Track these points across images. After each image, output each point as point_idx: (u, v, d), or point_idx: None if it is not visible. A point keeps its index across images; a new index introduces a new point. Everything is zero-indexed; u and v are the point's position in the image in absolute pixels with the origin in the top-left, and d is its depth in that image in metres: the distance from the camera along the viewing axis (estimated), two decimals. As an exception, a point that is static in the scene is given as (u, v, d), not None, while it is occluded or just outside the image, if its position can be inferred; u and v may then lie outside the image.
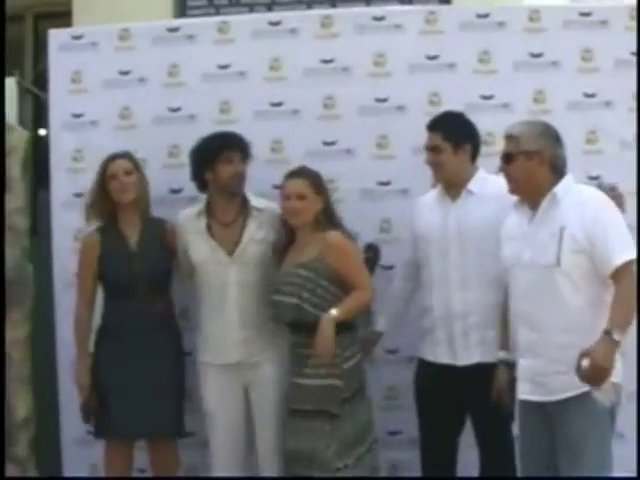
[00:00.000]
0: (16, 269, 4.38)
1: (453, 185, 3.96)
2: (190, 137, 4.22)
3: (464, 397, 3.86)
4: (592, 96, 4.40)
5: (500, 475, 3.84)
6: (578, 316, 3.33)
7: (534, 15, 4.43)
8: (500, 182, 3.60)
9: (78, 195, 4.53)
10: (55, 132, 4.61)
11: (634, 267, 3.29)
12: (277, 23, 4.53)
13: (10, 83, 4.94)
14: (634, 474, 4.08)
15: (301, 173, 3.98)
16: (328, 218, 3.96)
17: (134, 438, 4.18)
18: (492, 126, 4.26)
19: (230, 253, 4.09)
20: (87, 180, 4.46)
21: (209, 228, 4.12)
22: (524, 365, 3.46)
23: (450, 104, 4.36)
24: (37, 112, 5.60)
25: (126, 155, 4.20)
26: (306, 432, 3.81)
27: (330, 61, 4.49)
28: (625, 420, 4.12)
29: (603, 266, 3.30)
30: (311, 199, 3.92)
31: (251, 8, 6.24)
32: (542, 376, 3.39)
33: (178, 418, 4.16)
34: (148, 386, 4.06)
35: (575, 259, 3.32)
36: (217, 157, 4.05)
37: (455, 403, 3.89)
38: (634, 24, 4.38)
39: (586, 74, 4.41)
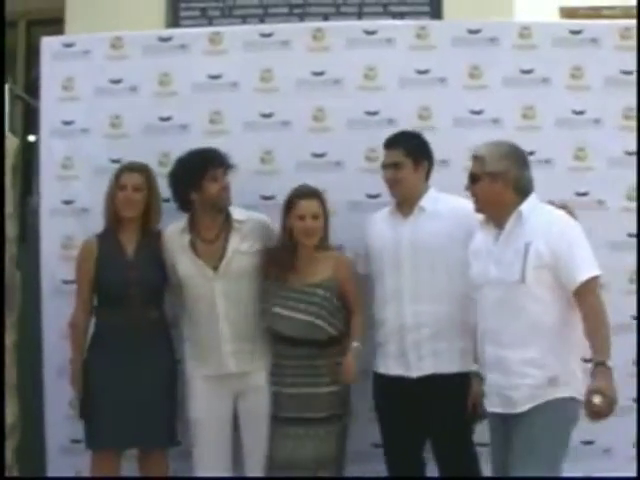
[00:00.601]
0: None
1: (407, 202, 4.01)
2: (181, 147, 4.23)
3: (418, 409, 3.89)
4: (581, 113, 4.43)
5: None
6: (543, 332, 3.40)
7: (525, 32, 4.46)
8: (452, 201, 3.77)
9: (67, 202, 4.55)
10: (45, 139, 4.61)
11: (597, 285, 3.38)
12: (269, 35, 4.54)
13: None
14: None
15: (313, 193, 4.06)
16: (325, 238, 4.09)
17: (125, 448, 4.16)
18: (481, 141, 4.12)
19: (215, 268, 4.09)
20: (76, 187, 4.54)
21: (192, 245, 4.12)
22: (490, 380, 3.54)
23: (440, 118, 4.44)
24: (26, 119, 5.58)
25: (142, 169, 4.21)
26: (323, 439, 3.96)
27: (321, 74, 4.50)
28: (615, 435, 4.18)
29: (568, 282, 3.37)
30: (322, 218, 4.05)
31: (243, 19, 6.26)
32: (507, 390, 3.46)
33: (171, 427, 4.15)
34: (141, 395, 4.05)
35: (539, 275, 3.39)
36: (203, 176, 4.05)
37: (411, 415, 3.92)
38: (624, 43, 4.42)
39: (576, 91, 4.43)
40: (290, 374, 4.04)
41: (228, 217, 4.15)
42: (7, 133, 4.55)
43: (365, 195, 4.44)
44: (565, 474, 3.93)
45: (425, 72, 4.46)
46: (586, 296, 3.35)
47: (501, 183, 3.50)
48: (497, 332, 3.48)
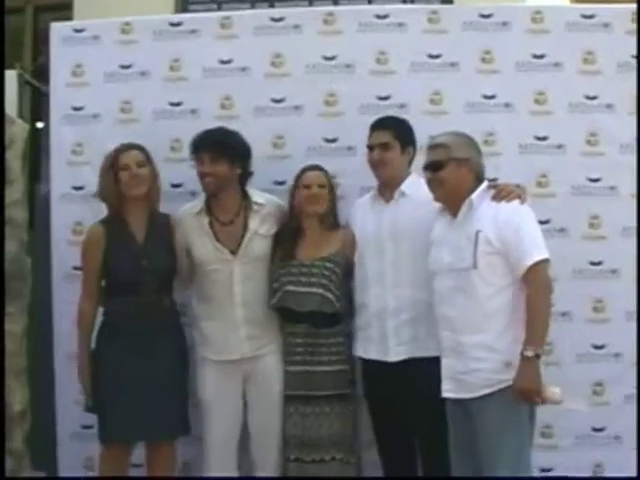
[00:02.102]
0: (14, 262, 4.34)
1: (390, 186, 4.04)
2: (191, 132, 4.20)
3: (397, 392, 3.92)
4: (593, 98, 4.42)
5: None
6: (496, 317, 3.47)
7: (537, 16, 4.45)
8: None
9: (77, 188, 4.55)
10: (55, 125, 4.59)
11: (546, 268, 3.45)
12: (280, 19, 4.52)
13: (10, 75, 4.89)
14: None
15: (319, 167, 4.13)
16: (334, 217, 4.14)
17: (135, 441, 4.11)
18: (493, 126, 4.39)
19: (234, 251, 4.09)
20: (87, 173, 4.51)
21: (211, 226, 4.12)
22: (446, 364, 3.60)
23: (451, 103, 4.44)
24: (35, 104, 5.57)
25: (138, 147, 4.14)
26: (325, 417, 4.00)
27: (332, 58, 4.49)
28: (623, 422, 4.23)
29: (516, 267, 3.44)
30: (327, 191, 4.09)
31: (252, 4, 6.24)
32: (462, 374, 3.52)
33: (183, 417, 4.10)
34: (153, 386, 3.98)
35: (490, 260, 3.46)
36: (194, 156, 4.10)
37: (393, 400, 3.95)
38: (636, 27, 4.39)
39: (588, 76, 4.42)
40: (293, 352, 4.08)
41: (246, 198, 4.15)
42: (17, 119, 4.54)
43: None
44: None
45: (437, 56, 4.46)
46: (533, 282, 3.41)
47: (466, 169, 3.59)
48: (452, 318, 3.56)
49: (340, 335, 4.08)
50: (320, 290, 4.01)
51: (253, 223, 4.11)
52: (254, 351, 4.10)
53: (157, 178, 4.17)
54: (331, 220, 4.12)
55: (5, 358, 4.21)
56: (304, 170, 4.12)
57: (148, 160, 4.12)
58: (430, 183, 3.68)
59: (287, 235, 4.11)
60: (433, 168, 3.64)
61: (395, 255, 3.98)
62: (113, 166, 4.08)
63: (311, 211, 4.06)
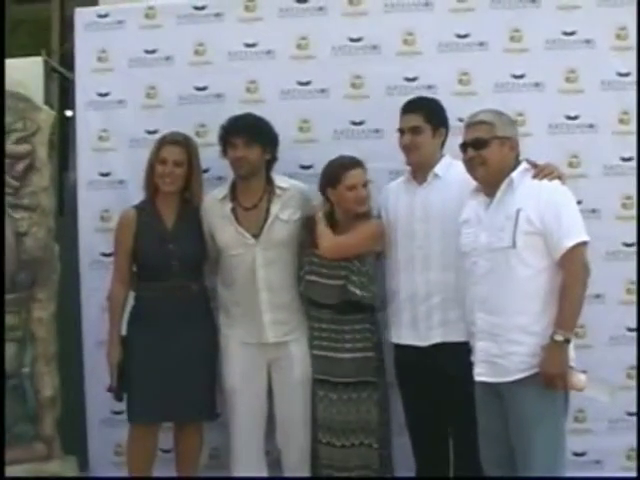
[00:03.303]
0: (42, 249, 4.38)
1: (422, 169, 4.00)
2: (217, 117, 4.22)
3: (428, 377, 3.90)
4: (626, 75, 4.35)
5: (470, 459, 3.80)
6: (534, 299, 3.41)
7: (567, -8, 4.33)
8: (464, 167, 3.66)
9: (104, 175, 4.57)
10: (81, 111, 4.61)
11: (584, 251, 3.40)
12: (304, 1, 4.48)
13: (37, 62, 4.89)
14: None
15: (358, 163, 4.05)
16: (368, 208, 4.09)
17: (160, 421, 4.17)
18: (523, 106, 4.32)
19: (256, 235, 4.10)
20: (113, 160, 4.55)
21: (234, 212, 4.14)
22: (481, 347, 3.54)
23: (480, 83, 4.39)
24: (63, 92, 5.57)
25: (183, 142, 4.16)
26: (352, 404, 4.00)
27: (358, 40, 4.45)
28: None
29: (555, 248, 3.39)
30: (367, 187, 4.06)
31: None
32: (498, 357, 3.47)
33: (211, 400, 4.15)
34: (181, 369, 4.04)
35: (530, 240, 3.41)
36: (226, 141, 4.09)
37: (425, 385, 3.93)
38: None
39: (620, 52, 4.35)
40: (319, 337, 4.08)
41: (270, 183, 4.15)
42: (44, 107, 4.54)
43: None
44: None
45: (465, 36, 4.41)
46: (570, 264, 3.37)
47: (508, 148, 3.54)
48: (488, 299, 3.50)
49: (366, 321, 4.06)
50: (341, 282, 4.00)
51: (275, 208, 4.12)
52: (279, 337, 4.11)
53: (199, 176, 4.21)
54: (366, 212, 4.08)
55: (32, 344, 4.28)
56: (344, 167, 4.03)
57: (190, 157, 4.14)
58: (469, 161, 3.59)
59: (315, 223, 4.08)
60: (475, 146, 3.55)
61: (424, 238, 3.94)
62: (154, 155, 4.13)
63: (359, 211, 4.03)
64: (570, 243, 3.37)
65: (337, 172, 4.02)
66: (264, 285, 4.08)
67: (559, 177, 3.53)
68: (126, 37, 4.55)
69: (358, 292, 3.98)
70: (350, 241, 4.02)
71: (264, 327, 4.10)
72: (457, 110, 4.06)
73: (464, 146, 3.59)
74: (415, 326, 3.96)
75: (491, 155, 3.52)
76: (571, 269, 3.37)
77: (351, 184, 3.99)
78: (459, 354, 3.72)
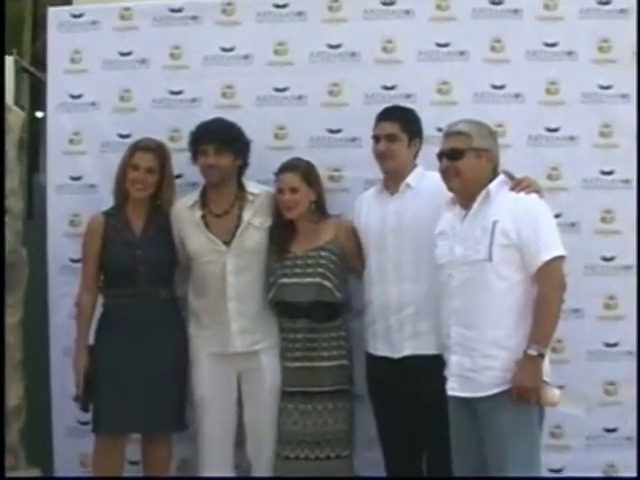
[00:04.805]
0: (10, 253, 4.30)
1: (395, 178, 3.98)
2: (191, 121, 4.17)
3: (400, 390, 3.88)
4: (608, 88, 4.32)
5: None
6: (509, 312, 3.40)
7: (550, 2, 4.34)
8: (438, 178, 3.63)
9: (75, 178, 4.49)
10: (52, 113, 4.56)
11: (561, 266, 3.40)
12: (283, 6, 4.43)
13: (8, 62, 4.83)
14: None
15: (293, 166, 4.05)
16: (321, 209, 4.09)
17: (130, 432, 4.12)
18: (503, 117, 4.26)
19: (227, 242, 4.07)
20: (84, 163, 4.47)
21: (204, 219, 4.11)
22: (454, 361, 3.51)
23: (460, 93, 4.35)
24: (35, 93, 5.49)
25: (156, 149, 4.13)
26: (328, 413, 3.97)
27: (337, 46, 4.41)
28: (635, 423, 4.21)
29: (531, 261, 3.37)
30: (304, 192, 4.01)
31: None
32: (471, 372, 3.44)
33: (179, 411, 4.11)
34: (149, 378, 4.00)
35: (506, 253, 3.39)
36: (196, 147, 4.07)
37: (398, 398, 3.90)
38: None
39: (602, 65, 4.32)
40: (292, 348, 4.05)
41: (241, 190, 4.13)
42: (13, 107, 4.53)
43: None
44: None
45: (445, 45, 4.37)
46: (546, 278, 3.36)
47: (485, 160, 3.51)
48: (463, 312, 3.47)
49: (341, 329, 4.06)
50: (317, 279, 3.98)
51: (247, 214, 4.10)
52: (247, 346, 4.07)
53: (170, 183, 4.19)
54: (320, 211, 4.08)
55: (5, 354, 4.21)
56: (280, 170, 4.08)
57: (163, 164, 4.12)
58: (445, 172, 3.56)
59: (280, 229, 4.08)
60: (451, 156, 3.53)
61: (396, 248, 3.93)
62: (126, 160, 4.11)
63: (286, 216, 4.03)
64: (546, 257, 3.36)
65: (277, 173, 4.07)
66: (234, 293, 4.05)
67: (537, 190, 3.51)
68: (100, 38, 4.50)
69: (335, 291, 3.98)
70: None
71: (232, 336, 4.06)
72: (436, 120, 4.05)
73: (440, 156, 3.57)
74: (388, 338, 3.95)
75: (466, 166, 3.50)
76: (547, 283, 3.36)
77: (279, 187, 4.03)
78: (430, 367, 3.71)
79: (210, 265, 4.07)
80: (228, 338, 4.06)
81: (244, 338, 4.07)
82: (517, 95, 4.34)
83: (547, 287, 3.35)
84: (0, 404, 4.06)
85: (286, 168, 4.06)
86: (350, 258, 4.06)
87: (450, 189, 3.58)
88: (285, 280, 4.02)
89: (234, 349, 4.07)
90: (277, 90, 4.43)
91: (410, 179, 3.96)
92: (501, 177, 3.54)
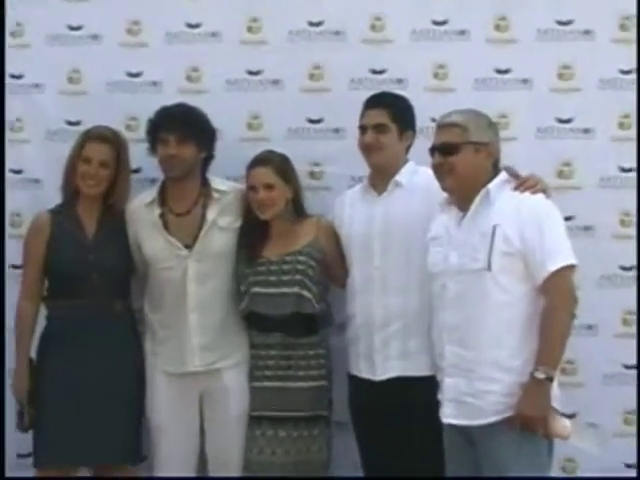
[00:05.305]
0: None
1: (383, 175, 3.82)
2: (151, 107, 3.96)
3: (385, 417, 3.71)
4: (629, 72, 4.13)
5: None
6: (512, 330, 3.22)
7: (564, -26, 4.22)
8: (431, 174, 3.48)
9: (15, 172, 4.25)
10: (-10, 96, 4.37)
11: (571, 276, 3.23)
12: (258, -23, 4.30)
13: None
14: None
15: (266, 160, 3.89)
16: (298, 208, 3.93)
17: (74, 464, 3.87)
18: (508, 105, 4.10)
19: (189, 246, 3.89)
20: (27, 154, 4.25)
21: (163, 218, 3.93)
22: (449, 384, 3.33)
23: (459, 78, 4.17)
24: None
25: (112, 140, 3.93)
26: (302, 441, 3.78)
27: (319, 24, 4.21)
28: None
29: (536, 272, 3.21)
30: (280, 189, 3.85)
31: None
32: (469, 396, 3.26)
33: (135, 441, 3.90)
34: (100, 403, 3.78)
35: (507, 262, 3.21)
36: (155, 136, 3.92)
37: (381, 424, 3.73)
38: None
39: (624, 46, 4.14)
40: (263, 366, 3.87)
41: (206, 186, 3.95)
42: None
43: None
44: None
45: (442, 23, 4.18)
46: (554, 291, 3.17)
47: (484, 155, 3.33)
48: (458, 329, 3.29)
49: (320, 346, 3.86)
50: (295, 289, 3.79)
51: (212, 213, 3.91)
52: (208, 365, 3.88)
53: (126, 177, 4.00)
54: (297, 211, 3.91)
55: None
56: (251, 165, 3.89)
57: (118, 156, 3.94)
58: (438, 168, 3.36)
59: (250, 230, 3.89)
60: (444, 151, 3.31)
61: (384, 257, 3.76)
62: (76, 152, 3.93)
63: (261, 217, 3.85)
64: (554, 267, 3.15)
65: (247, 168, 3.92)
66: (195, 303, 3.86)
67: (543, 190, 3.32)
68: (46, 9, 4.25)
69: (314, 302, 3.78)
70: None
71: (191, 352, 3.86)
72: (430, 108, 3.84)
73: (432, 151, 3.40)
74: (370, 357, 3.78)
75: (461, 163, 3.31)
76: (554, 296, 3.16)
77: (250, 184, 3.86)
78: (421, 391, 3.55)
79: (169, 271, 3.89)
80: (187, 355, 3.87)
81: (205, 355, 3.88)
82: (525, 81, 4.16)
83: (555, 300, 3.16)
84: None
85: (258, 162, 3.87)
86: (332, 264, 3.90)
87: (444, 188, 3.39)
88: (258, 289, 3.83)
89: (193, 367, 3.87)
90: (250, 73, 4.23)
91: (400, 176, 3.77)
92: (503, 175, 3.36)
